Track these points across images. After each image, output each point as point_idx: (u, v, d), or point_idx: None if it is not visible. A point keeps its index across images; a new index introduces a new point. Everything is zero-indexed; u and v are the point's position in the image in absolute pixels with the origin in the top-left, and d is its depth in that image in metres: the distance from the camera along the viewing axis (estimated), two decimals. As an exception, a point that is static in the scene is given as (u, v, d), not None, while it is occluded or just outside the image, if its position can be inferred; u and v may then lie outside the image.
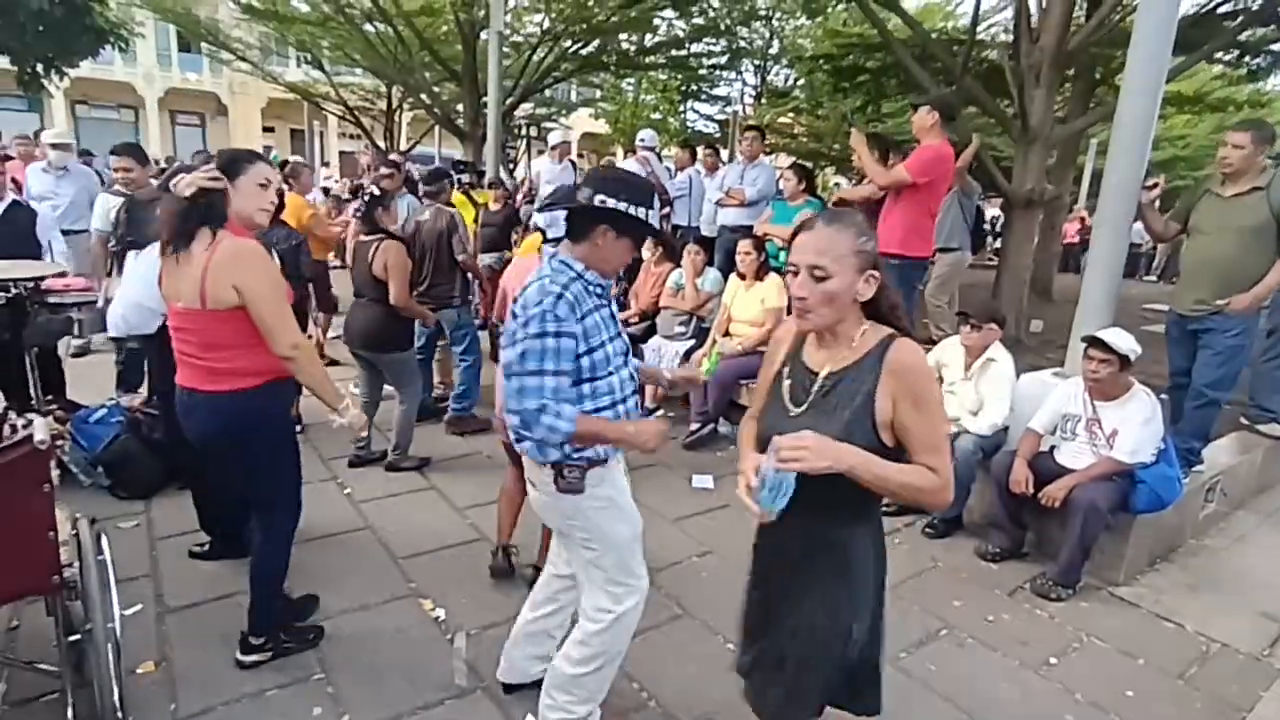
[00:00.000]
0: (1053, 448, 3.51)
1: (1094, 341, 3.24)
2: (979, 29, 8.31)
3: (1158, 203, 3.83)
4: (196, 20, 13.75)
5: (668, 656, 2.67)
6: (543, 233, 3.76)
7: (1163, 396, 3.47)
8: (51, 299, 3.61)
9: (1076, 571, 3.23)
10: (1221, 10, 7.72)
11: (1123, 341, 3.18)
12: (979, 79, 7.51)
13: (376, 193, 4.08)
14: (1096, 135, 15.25)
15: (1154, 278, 15.79)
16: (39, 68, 13.32)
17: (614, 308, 2.05)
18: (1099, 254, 3.79)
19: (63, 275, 3.70)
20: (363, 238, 4.06)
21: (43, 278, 3.50)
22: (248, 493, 2.48)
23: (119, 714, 1.95)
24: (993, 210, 13.97)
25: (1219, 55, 8.53)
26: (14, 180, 4.76)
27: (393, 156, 7.67)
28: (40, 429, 1.81)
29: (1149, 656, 2.87)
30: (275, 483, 2.44)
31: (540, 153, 11.02)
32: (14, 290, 3.38)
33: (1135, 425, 3.20)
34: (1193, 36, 6.43)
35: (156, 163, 9.44)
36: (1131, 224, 3.75)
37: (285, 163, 6.50)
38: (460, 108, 12.77)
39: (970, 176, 5.77)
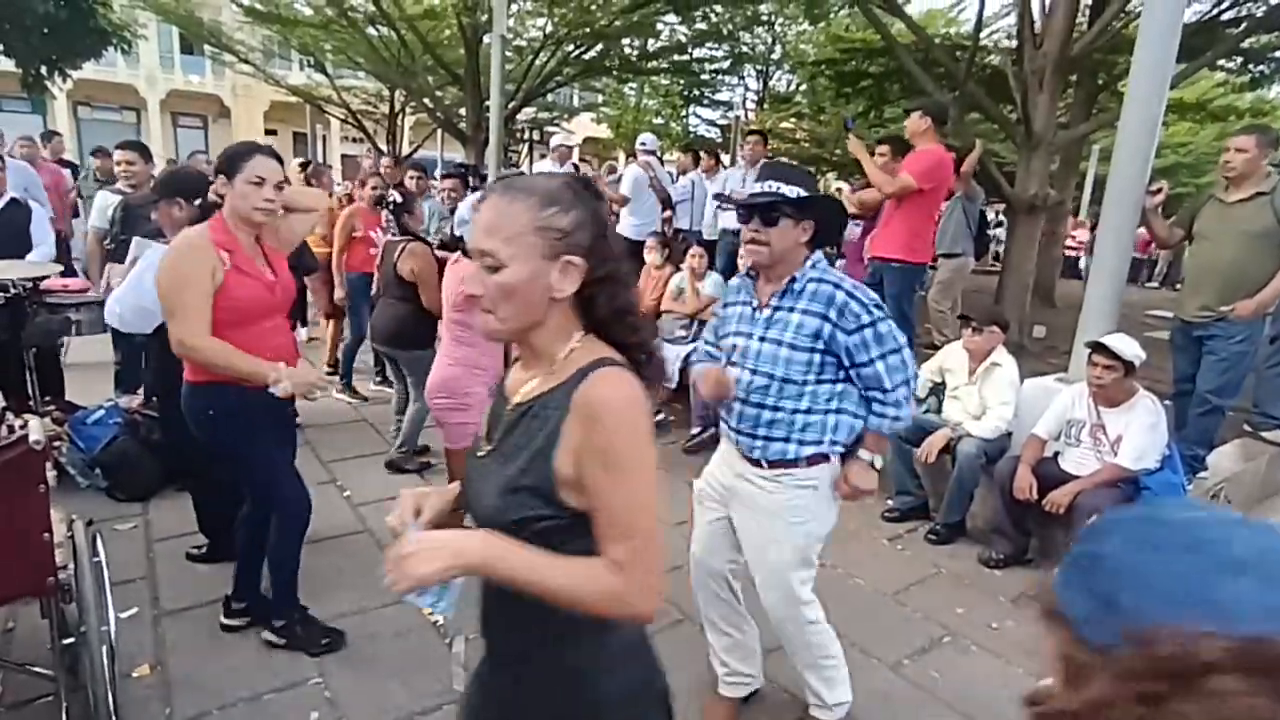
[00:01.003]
0: (1056, 454, 3.48)
1: (1098, 347, 3.22)
2: (981, 34, 8.30)
3: (1161, 208, 3.82)
4: (199, 22, 13.77)
5: (669, 660, 2.61)
6: None
7: (1166, 403, 3.45)
8: (50, 299, 3.60)
9: (1081, 579, 3.19)
10: (1225, 17, 7.72)
11: (1127, 347, 3.16)
12: (982, 84, 7.51)
13: (399, 198, 4.09)
14: (1098, 142, 15.27)
15: (1156, 284, 15.77)
16: (43, 70, 13.33)
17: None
18: (1102, 259, 3.77)
19: (62, 275, 3.70)
20: (390, 238, 4.16)
21: (42, 278, 3.48)
22: (240, 482, 2.55)
23: (113, 718, 1.92)
24: (995, 216, 13.96)
25: (1222, 62, 8.54)
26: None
27: (384, 161, 7.70)
28: (35, 429, 1.79)
29: (1154, 665, 2.83)
30: (259, 472, 2.48)
31: (542, 156, 11.02)
32: (13, 290, 3.36)
33: (1140, 431, 3.18)
34: (1195, 43, 6.44)
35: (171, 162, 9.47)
36: (1136, 230, 3.73)
37: (307, 163, 6.63)
38: (463, 111, 12.78)
39: (974, 181, 5.77)
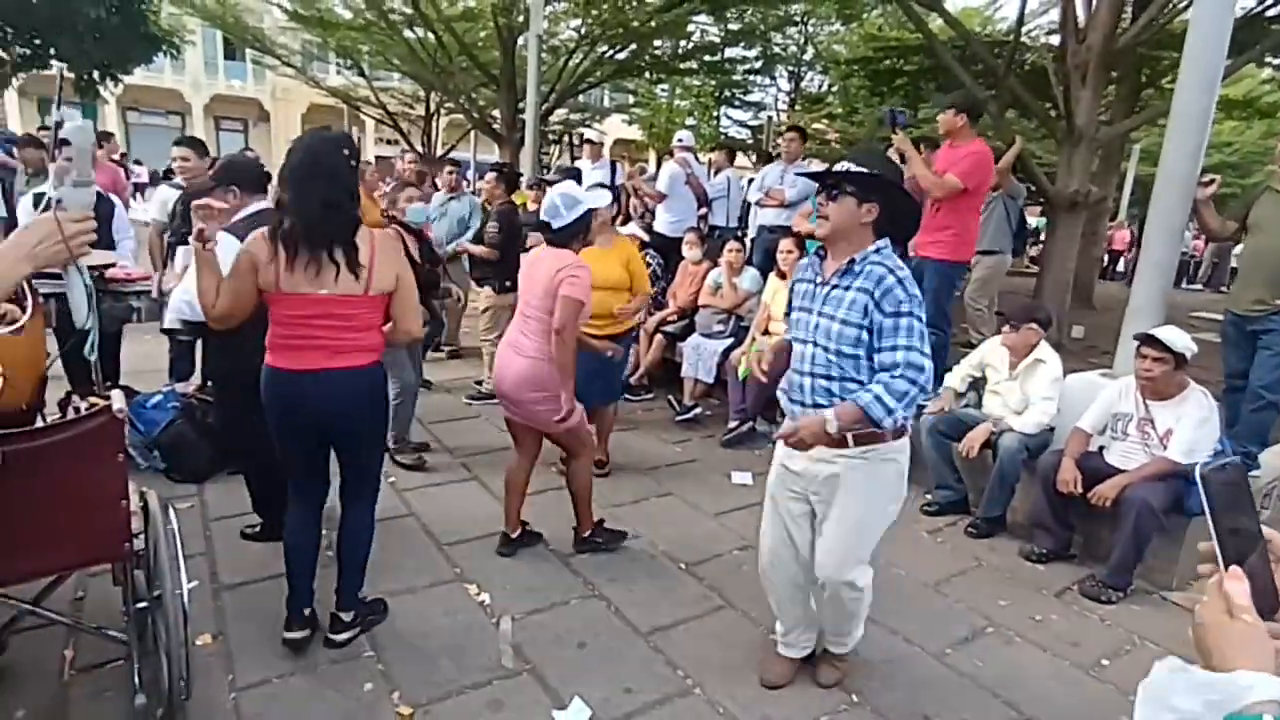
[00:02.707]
0: (1101, 448, 3.44)
1: (1148, 339, 3.17)
2: (1022, 30, 8.19)
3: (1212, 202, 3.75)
4: (245, 27, 14.14)
5: (710, 645, 2.68)
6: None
7: (1215, 400, 3.38)
8: (113, 287, 3.74)
9: (1128, 574, 3.16)
10: (1271, 13, 7.54)
11: (1178, 339, 3.12)
12: (1021, 80, 7.42)
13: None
14: (1139, 141, 14.95)
15: (1200, 286, 15.38)
16: (95, 74, 13.80)
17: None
18: (1150, 254, 3.72)
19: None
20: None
21: (107, 266, 3.62)
22: (360, 465, 2.55)
23: (184, 680, 2.01)
24: (1034, 219, 13.75)
25: (1269, 58, 8.33)
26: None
27: (408, 158, 7.82)
28: (118, 398, 1.88)
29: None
30: (381, 452, 2.61)
31: (575, 158, 11.12)
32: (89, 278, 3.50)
33: (1191, 425, 3.13)
34: (1242, 38, 6.29)
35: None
36: (1185, 223, 3.67)
37: None
38: (497, 112, 12.95)
39: (1014, 178, 5.70)
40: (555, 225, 2.96)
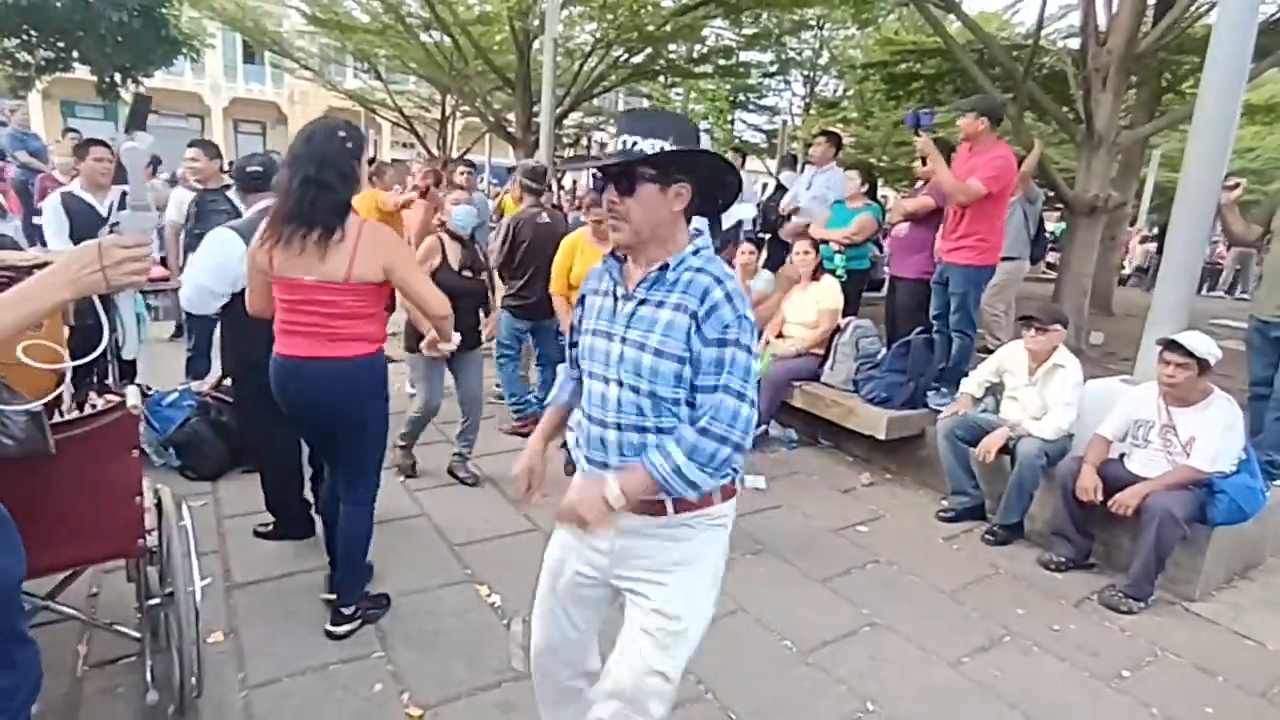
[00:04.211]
0: (1122, 455, 3.38)
1: (1171, 344, 3.12)
2: (1042, 32, 8.12)
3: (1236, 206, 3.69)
4: (264, 30, 14.30)
5: (724, 651, 2.64)
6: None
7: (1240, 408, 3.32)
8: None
9: (1149, 584, 3.10)
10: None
11: (1201, 344, 3.06)
12: (1039, 84, 7.36)
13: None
14: (1159, 146, 14.78)
15: (1221, 293, 15.17)
16: (116, 78, 14.00)
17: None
18: (1173, 258, 3.66)
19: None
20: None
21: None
22: (353, 458, 2.54)
23: (196, 677, 2.00)
24: (1052, 224, 13.61)
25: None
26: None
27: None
28: (133, 395, 1.89)
29: (1228, 674, 2.73)
30: (381, 444, 2.59)
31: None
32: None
33: (1215, 432, 3.07)
34: (1264, 43, 6.21)
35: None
36: (1209, 227, 3.61)
37: (372, 159, 6.83)
38: (512, 116, 13.01)
39: (1033, 183, 5.64)
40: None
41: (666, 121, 1.51)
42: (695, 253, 1.52)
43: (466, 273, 3.69)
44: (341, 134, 2.27)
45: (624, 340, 1.52)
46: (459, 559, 3.17)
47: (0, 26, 12.78)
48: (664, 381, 1.48)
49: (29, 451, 1.61)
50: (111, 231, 1.45)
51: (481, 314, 3.90)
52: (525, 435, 4.60)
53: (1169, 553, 3.06)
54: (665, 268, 1.50)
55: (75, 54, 13.72)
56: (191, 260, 3.20)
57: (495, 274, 4.04)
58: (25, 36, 13.22)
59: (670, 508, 1.55)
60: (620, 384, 1.53)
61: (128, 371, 4.35)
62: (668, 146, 1.44)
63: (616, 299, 1.57)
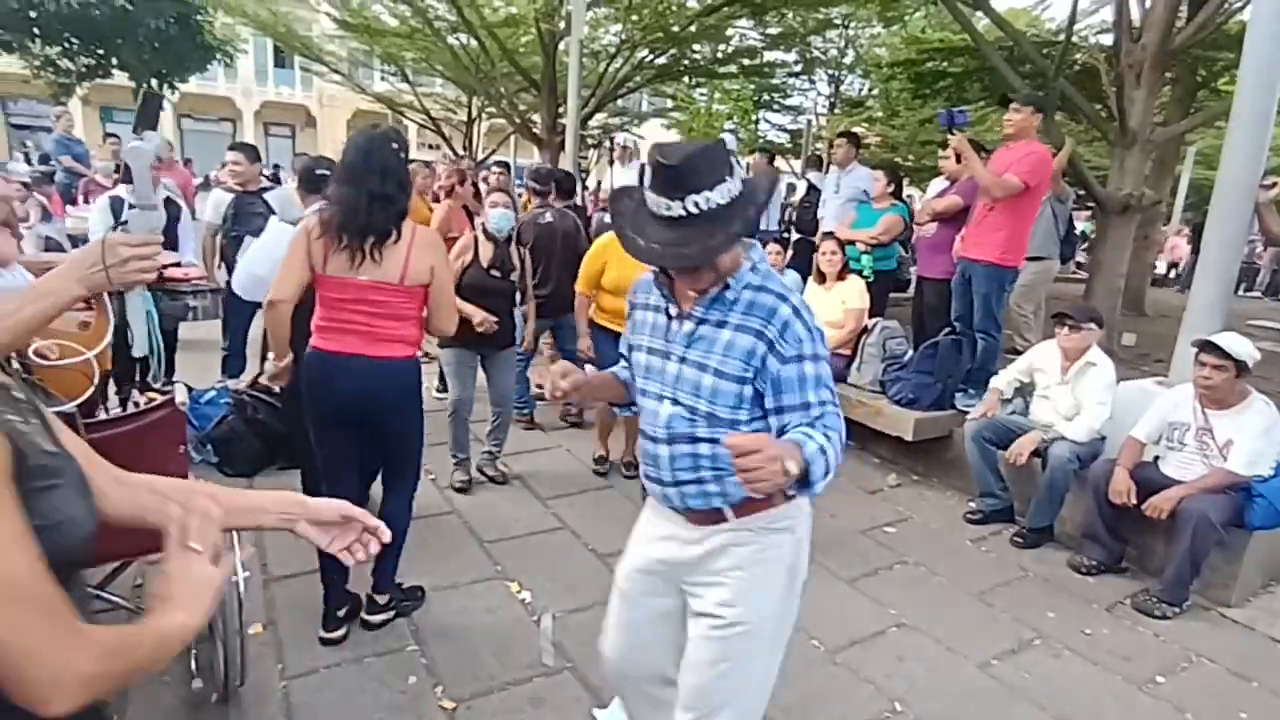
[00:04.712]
0: (1156, 458, 3.34)
1: (1208, 346, 3.07)
2: (1074, 28, 8.00)
3: (1276, 204, 3.62)
4: (295, 36, 14.55)
5: None
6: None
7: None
8: (170, 286, 3.87)
9: (1184, 589, 3.05)
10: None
11: (1239, 346, 3.01)
12: (1071, 81, 7.25)
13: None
14: (1194, 143, 14.46)
15: (1259, 294, 14.81)
16: (153, 83, 14.34)
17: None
18: (1210, 257, 3.60)
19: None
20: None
21: (167, 266, 3.75)
22: (397, 453, 2.63)
23: (239, 667, 2.07)
24: (1082, 224, 13.40)
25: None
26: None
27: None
28: (180, 392, 1.96)
29: (1264, 680, 2.69)
30: (421, 445, 2.68)
31: (611, 163, 11.21)
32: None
33: (1252, 435, 3.02)
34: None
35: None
36: (1246, 226, 3.55)
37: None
38: (537, 117, 13.09)
39: (1064, 182, 5.56)
40: None
41: (709, 158, 1.39)
42: (753, 268, 1.50)
43: (495, 272, 3.73)
44: (394, 145, 2.35)
45: (683, 360, 1.53)
46: (489, 556, 3.22)
47: (43, 34, 13.19)
48: (724, 402, 1.49)
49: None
50: (119, 230, 1.49)
51: (519, 316, 3.96)
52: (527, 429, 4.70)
53: (1205, 557, 3.02)
54: (726, 287, 1.48)
55: (114, 60, 14.10)
56: (254, 245, 3.29)
57: (527, 278, 4.07)
58: (67, 44, 13.62)
59: (729, 514, 1.56)
60: (675, 402, 1.54)
61: (166, 370, 4.47)
62: (723, 199, 1.38)
63: (670, 317, 1.57)
